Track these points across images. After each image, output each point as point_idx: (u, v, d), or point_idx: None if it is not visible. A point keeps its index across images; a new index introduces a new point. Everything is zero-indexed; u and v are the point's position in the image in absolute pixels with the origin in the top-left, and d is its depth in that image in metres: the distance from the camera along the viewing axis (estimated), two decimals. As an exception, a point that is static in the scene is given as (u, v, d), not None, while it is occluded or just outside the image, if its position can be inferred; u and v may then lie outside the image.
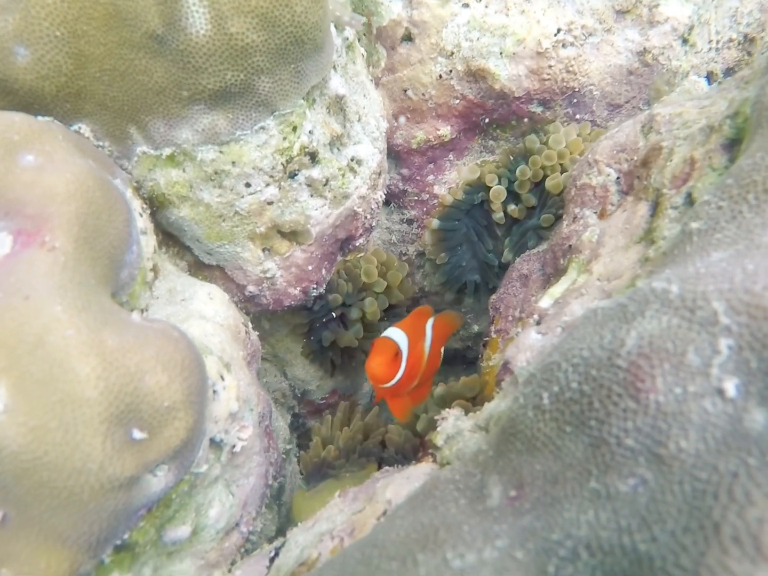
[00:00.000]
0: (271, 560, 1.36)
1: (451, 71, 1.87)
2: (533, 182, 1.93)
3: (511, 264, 1.95)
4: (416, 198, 2.17)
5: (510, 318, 1.80)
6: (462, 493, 0.92)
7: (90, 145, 1.35)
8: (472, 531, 0.79)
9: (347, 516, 1.29)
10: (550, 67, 1.82)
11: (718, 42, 1.92)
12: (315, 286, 1.85)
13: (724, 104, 1.30)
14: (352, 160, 1.73)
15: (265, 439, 1.63)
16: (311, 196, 1.64)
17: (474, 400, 1.69)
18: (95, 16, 1.26)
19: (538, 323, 1.42)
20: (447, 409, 1.31)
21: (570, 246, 1.57)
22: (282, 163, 1.52)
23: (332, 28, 1.55)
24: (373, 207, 1.91)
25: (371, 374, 1.55)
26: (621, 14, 1.80)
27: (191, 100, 1.36)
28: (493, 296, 1.93)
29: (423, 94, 1.93)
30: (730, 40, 1.93)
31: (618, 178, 1.53)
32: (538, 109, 1.92)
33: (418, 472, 1.25)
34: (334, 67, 1.61)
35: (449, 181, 2.12)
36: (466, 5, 1.81)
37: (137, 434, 1.03)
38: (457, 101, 1.93)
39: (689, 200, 1.22)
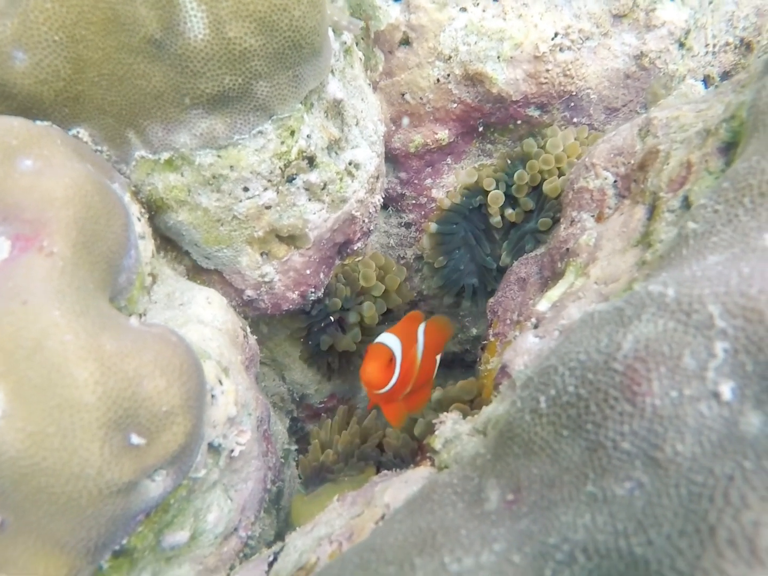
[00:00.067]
0: (270, 565, 1.36)
1: (448, 75, 1.88)
2: (531, 186, 1.94)
3: (509, 267, 1.96)
4: (414, 202, 2.18)
5: (508, 321, 1.80)
6: (460, 496, 0.92)
7: (88, 150, 1.35)
8: (469, 535, 0.79)
9: (346, 520, 1.29)
10: (547, 71, 1.82)
11: (714, 46, 1.92)
12: (313, 290, 1.85)
13: (721, 108, 1.30)
14: (350, 164, 1.73)
15: (263, 443, 1.63)
16: (309, 200, 1.64)
17: (472, 404, 1.69)
18: (94, 21, 1.26)
19: (535, 327, 1.42)
20: (445, 413, 1.31)
21: (567, 249, 1.57)
22: (280, 168, 1.53)
23: (330, 33, 1.55)
24: (371, 211, 1.91)
25: (366, 380, 1.56)
26: (618, 18, 1.81)
27: (189, 105, 1.36)
28: (491, 299, 1.93)
29: (421, 98, 1.93)
30: (727, 44, 1.94)
31: (615, 181, 1.53)
32: (536, 113, 1.93)
33: (417, 476, 1.25)
34: (332, 72, 1.61)
35: (447, 185, 2.13)
36: (464, 9, 1.81)
37: (135, 439, 1.03)
38: (455, 105, 1.93)
39: (686, 203, 1.22)
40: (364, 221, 1.90)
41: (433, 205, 2.16)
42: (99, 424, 0.98)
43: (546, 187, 1.87)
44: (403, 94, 1.95)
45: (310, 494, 1.87)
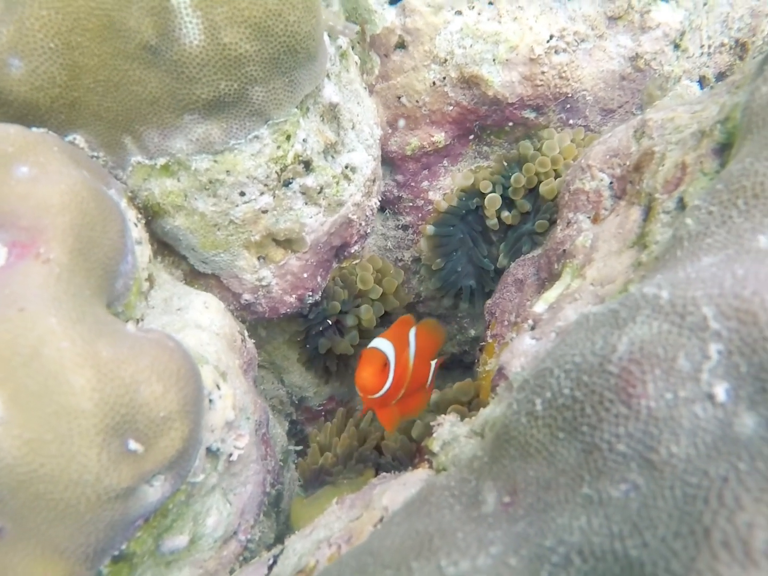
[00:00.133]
0: (270, 568, 1.36)
1: (444, 78, 1.88)
2: (527, 188, 1.94)
3: (507, 269, 1.96)
4: (411, 204, 2.18)
5: (506, 323, 1.81)
6: (457, 499, 0.92)
7: (84, 156, 1.35)
8: (466, 538, 0.79)
9: (344, 523, 1.29)
10: (542, 73, 1.83)
11: (709, 47, 1.93)
12: (310, 293, 1.86)
13: (716, 109, 1.31)
14: (346, 167, 1.73)
15: (262, 447, 1.63)
16: (306, 204, 1.65)
17: (470, 405, 1.69)
18: (89, 28, 1.26)
19: (532, 328, 1.42)
20: (443, 415, 1.31)
21: (564, 251, 1.58)
22: (276, 172, 1.53)
23: (325, 37, 1.56)
24: (367, 214, 1.92)
25: (361, 385, 1.56)
26: (613, 20, 1.81)
27: (185, 110, 1.37)
28: (489, 301, 1.93)
29: (417, 101, 1.94)
30: (722, 45, 1.94)
31: (611, 182, 1.54)
32: (532, 115, 1.93)
33: (415, 479, 1.25)
34: (328, 76, 1.62)
35: (444, 187, 2.13)
36: (459, 13, 1.82)
37: (133, 445, 1.03)
38: (451, 108, 1.94)
39: (681, 205, 1.22)
40: (360, 224, 1.90)
41: (430, 207, 2.16)
42: (96, 430, 0.98)
43: (542, 188, 1.88)
44: (399, 97, 1.95)
45: (310, 497, 1.87)
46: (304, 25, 1.35)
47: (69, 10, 1.24)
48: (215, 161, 1.46)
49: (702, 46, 1.91)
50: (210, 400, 1.31)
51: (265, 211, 1.58)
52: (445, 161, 2.09)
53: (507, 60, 1.81)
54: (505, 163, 1.98)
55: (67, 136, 1.37)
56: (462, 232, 2.12)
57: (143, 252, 1.42)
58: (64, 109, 1.33)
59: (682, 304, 0.77)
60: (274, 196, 1.57)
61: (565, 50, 1.81)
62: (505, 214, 1.99)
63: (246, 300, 1.76)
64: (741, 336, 0.71)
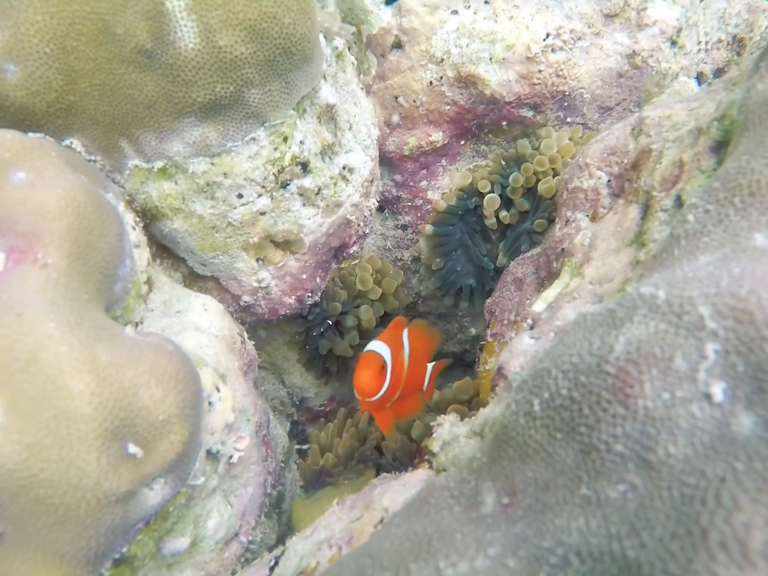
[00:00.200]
0: (271, 569, 1.36)
1: (441, 77, 1.88)
2: (526, 187, 1.94)
3: (506, 268, 1.96)
4: (410, 204, 2.18)
5: (505, 321, 1.80)
6: (456, 500, 0.92)
7: (81, 160, 1.35)
8: (465, 539, 0.79)
9: (345, 524, 1.29)
10: (539, 71, 1.83)
11: (707, 43, 1.93)
12: (310, 294, 1.86)
13: (713, 106, 1.30)
14: (343, 168, 1.73)
15: (263, 448, 1.63)
16: (304, 205, 1.65)
17: (470, 405, 1.69)
18: (84, 32, 1.27)
19: (531, 327, 1.42)
20: (442, 415, 1.31)
21: (563, 249, 1.57)
22: (274, 174, 1.53)
23: (321, 39, 1.55)
24: (366, 214, 1.92)
25: (359, 388, 1.57)
26: (609, 18, 1.81)
27: (182, 113, 1.37)
28: (489, 300, 1.93)
29: (414, 101, 1.94)
30: (719, 41, 1.94)
31: (609, 181, 1.53)
32: (529, 114, 1.93)
33: (415, 479, 1.25)
34: (324, 77, 1.62)
35: (442, 187, 2.13)
36: (455, 12, 1.82)
37: (132, 449, 1.04)
38: (448, 107, 1.93)
39: (679, 202, 1.22)
40: (359, 225, 1.90)
41: (429, 206, 2.16)
42: (96, 434, 0.99)
43: (541, 187, 1.87)
44: (396, 97, 1.95)
45: (311, 498, 1.87)
46: (300, 27, 1.35)
47: (64, 14, 1.24)
48: (212, 164, 1.46)
49: (699, 43, 1.91)
50: (210, 403, 1.31)
51: (263, 213, 1.58)
52: (443, 160, 2.09)
53: (504, 59, 1.81)
54: (503, 163, 1.98)
55: (64, 140, 1.37)
56: (461, 232, 2.11)
57: (142, 255, 1.42)
58: (60, 114, 1.33)
59: (679, 304, 0.77)
60: (272, 198, 1.57)
61: (561, 48, 1.81)
62: (503, 213, 1.99)
63: (245, 302, 1.76)
64: (738, 335, 0.71)
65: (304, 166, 1.58)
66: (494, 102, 1.89)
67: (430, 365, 1.92)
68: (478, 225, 2.10)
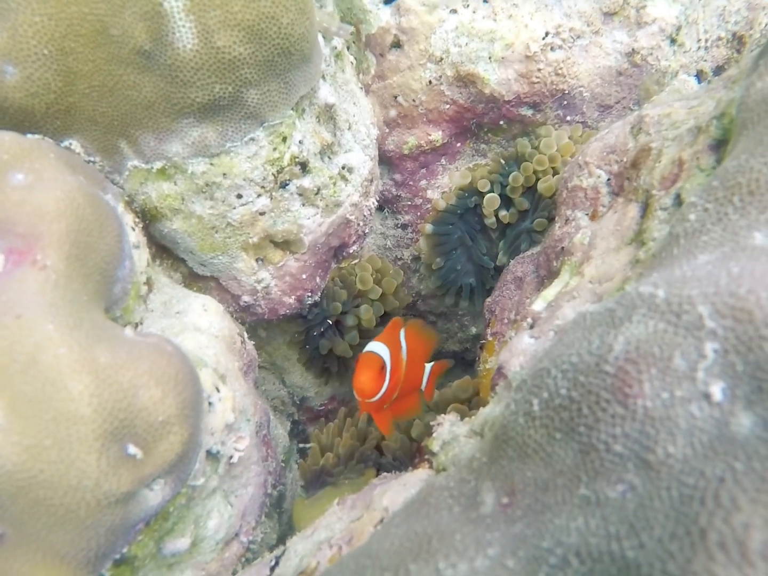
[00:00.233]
0: (272, 569, 1.37)
1: (440, 77, 1.88)
2: (525, 186, 1.94)
3: (506, 267, 1.96)
4: (410, 203, 2.18)
5: (505, 320, 1.80)
6: (456, 500, 0.92)
7: (80, 161, 1.35)
8: (464, 540, 0.79)
9: (345, 524, 1.29)
10: (539, 70, 1.82)
11: (706, 41, 1.92)
12: (309, 294, 1.86)
13: (712, 104, 1.30)
14: (343, 168, 1.73)
15: (263, 448, 1.63)
16: (303, 205, 1.65)
17: (470, 404, 1.69)
18: (83, 33, 1.26)
19: (531, 327, 1.42)
20: (442, 415, 1.31)
21: (562, 248, 1.57)
22: (273, 174, 1.53)
23: (320, 38, 1.55)
24: (365, 214, 1.92)
25: (359, 389, 1.57)
26: (608, 16, 1.81)
27: (180, 114, 1.36)
28: (489, 299, 1.93)
29: (413, 100, 1.93)
30: (719, 39, 1.93)
31: (608, 179, 1.53)
32: (529, 112, 1.93)
33: (415, 479, 1.25)
34: (323, 77, 1.62)
35: (442, 186, 2.13)
36: (454, 11, 1.81)
37: (132, 450, 1.04)
38: (448, 106, 1.93)
39: (678, 201, 1.22)
40: (359, 224, 1.90)
41: (429, 206, 2.16)
42: (95, 435, 0.99)
43: (540, 186, 1.87)
44: (395, 97, 1.95)
45: (311, 498, 1.87)
46: (298, 27, 1.35)
47: (62, 16, 1.24)
48: (211, 164, 1.46)
49: (699, 41, 1.90)
50: (209, 403, 1.31)
51: (262, 213, 1.58)
52: (442, 160, 2.09)
53: (503, 58, 1.81)
54: (503, 162, 1.98)
55: (63, 141, 1.37)
56: (461, 231, 2.11)
57: (141, 256, 1.42)
58: (59, 115, 1.33)
59: (678, 303, 0.77)
60: (271, 198, 1.57)
61: (560, 47, 1.80)
62: (503, 212, 1.99)
63: (245, 302, 1.76)
64: (737, 334, 0.71)
65: (304, 166, 1.58)
66: (493, 101, 1.89)
67: (428, 365, 1.92)
68: (478, 224, 2.10)
